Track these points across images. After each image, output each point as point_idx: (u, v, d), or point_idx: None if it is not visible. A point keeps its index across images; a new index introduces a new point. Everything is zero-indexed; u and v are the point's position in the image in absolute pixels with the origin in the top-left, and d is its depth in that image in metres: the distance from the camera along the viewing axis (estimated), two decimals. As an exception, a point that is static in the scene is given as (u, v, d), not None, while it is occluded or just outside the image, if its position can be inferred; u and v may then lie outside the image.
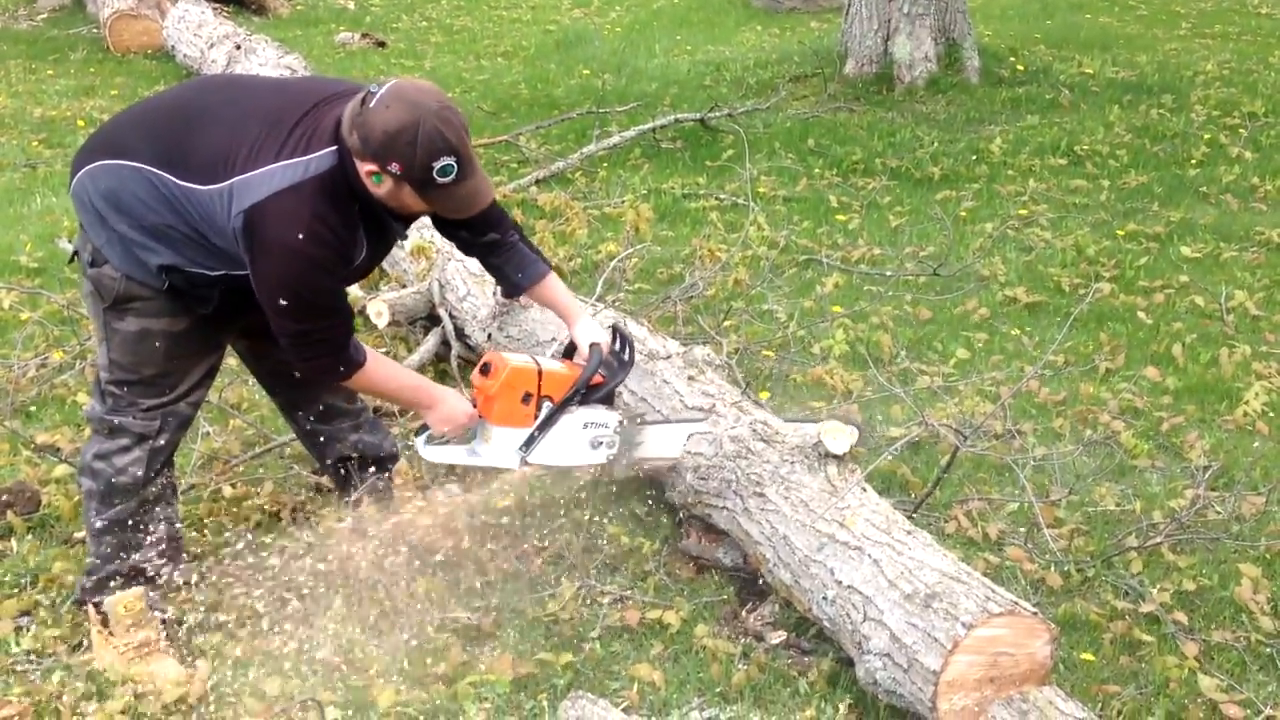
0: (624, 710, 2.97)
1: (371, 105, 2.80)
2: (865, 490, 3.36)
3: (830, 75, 9.81)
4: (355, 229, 2.94)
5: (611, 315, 4.12)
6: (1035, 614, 2.81)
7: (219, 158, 2.86)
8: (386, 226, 3.07)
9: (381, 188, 2.87)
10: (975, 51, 9.75)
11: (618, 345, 3.49)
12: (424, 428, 3.36)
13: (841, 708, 3.06)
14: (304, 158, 2.84)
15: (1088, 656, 3.27)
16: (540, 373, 3.34)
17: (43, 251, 6.13)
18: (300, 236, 2.81)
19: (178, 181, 2.89)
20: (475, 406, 3.34)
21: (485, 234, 3.37)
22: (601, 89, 9.86)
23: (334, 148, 2.86)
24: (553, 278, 3.49)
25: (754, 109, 9.01)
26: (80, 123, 9.03)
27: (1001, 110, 9.07)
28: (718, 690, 3.13)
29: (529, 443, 3.36)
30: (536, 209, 6.72)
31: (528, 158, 7.98)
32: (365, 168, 2.84)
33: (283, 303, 2.89)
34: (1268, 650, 3.30)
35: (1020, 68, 10.00)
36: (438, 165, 2.82)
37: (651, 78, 10.39)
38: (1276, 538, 3.76)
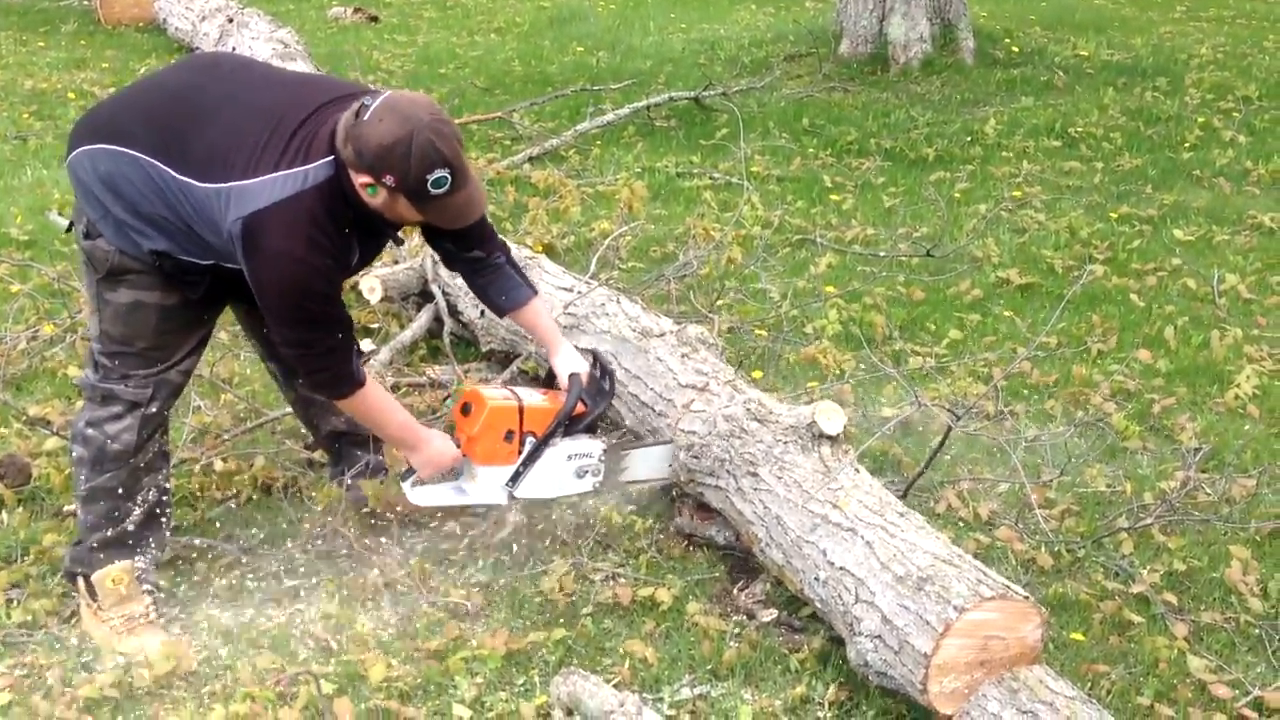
0: (615, 686, 2.97)
1: (365, 118, 2.81)
2: (858, 471, 3.36)
3: (825, 55, 9.79)
4: (351, 235, 2.97)
5: (596, 340, 4.08)
6: (1026, 598, 2.82)
7: (219, 156, 2.87)
8: (380, 231, 3.10)
9: (377, 199, 2.89)
10: (970, 32, 9.73)
11: (598, 373, 3.49)
12: (409, 471, 3.36)
13: (832, 686, 3.07)
14: (303, 168, 2.85)
15: (1078, 636, 3.28)
16: (521, 409, 3.35)
17: (33, 224, 6.11)
18: (300, 245, 2.84)
19: (175, 174, 2.89)
20: (459, 446, 3.35)
21: (470, 250, 3.37)
22: (595, 66, 9.84)
23: (331, 157, 2.87)
24: (536, 303, 3.48)
25: (748, 88, 8.99)
26: (71, 95, 8.98)
27: (996, 92, 9.06)
28: (709, 667, 3.14)
29: (515, 478, 3.38)
30: (530, 186, 6.72)
31: (521, 135, 7.96)
32: (360, 180, 2.85)
33: (285, 311, 2.93)
34: (1256, 631, 3.31)
35: (1015, 49, 9.99)
36: (431, 177, 2.83)
37: (646, 55, 10.37)
38: (1266, 520, 3.77)
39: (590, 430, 3.47)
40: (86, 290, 3.16)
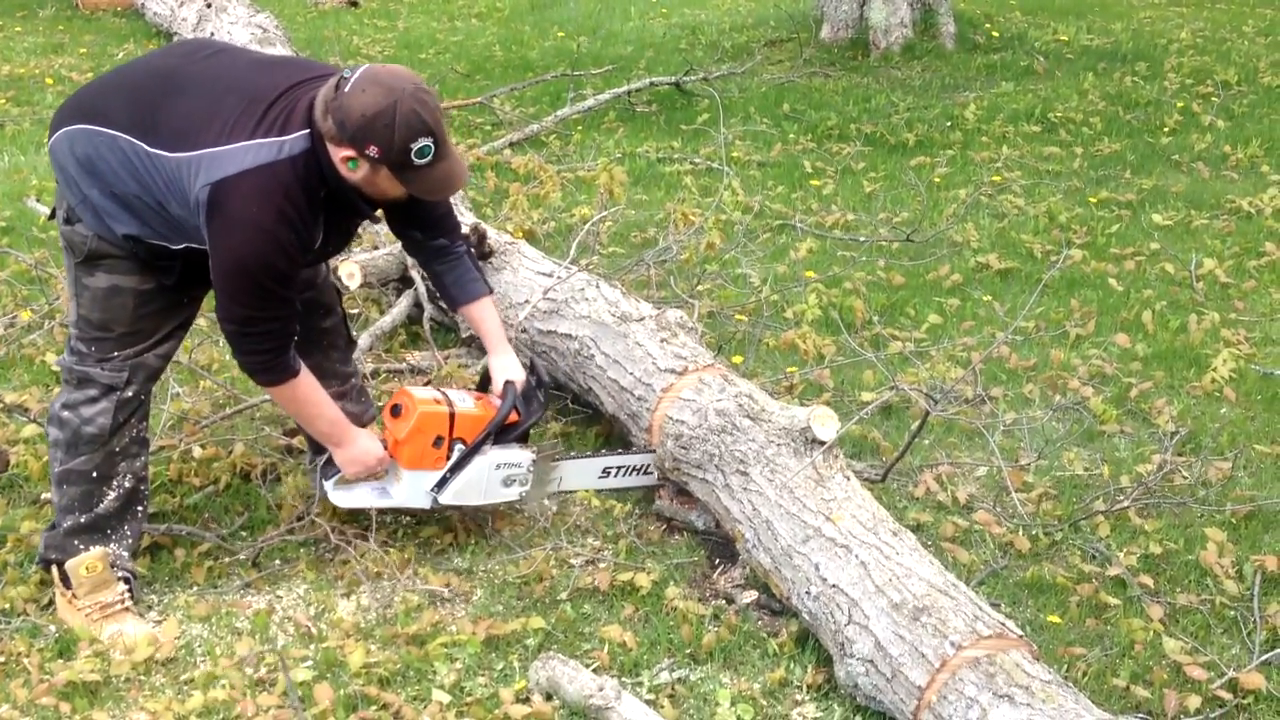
0: (594, 671, 2.98)
1: (346, 90, 2.80)
2: (849, 479, 3.34)
3: (806, 40, 9.78)
4: (319, 214, 2.95)
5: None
6: (1021, 636, 2.81)
7: (190, 127, 2.85)
8: (353, 213, 3.07)
9: (358, 172, 2.87)
10: (951, 17, 9.74)
11: (534, 382, 3.46)
12: (331, 469, 3.33)
13: (810, 668, 3.08)
14: (279, 138, 2.84)
15: (1054, 619, 3.29)
16: (452, 415, 3.32)
17: (10, 211, 6.07)
18: (269, 215, 2.82)
19: (146, 148, 2.88)
20: (386, 448, 3.32)
21: (436, 238, 3.36)
22: (576, 51, 9.82)
23: (308, 130, 2.86)
24: (487, 303, 3.46)
25: (729, 73, 8.98)
26: (49, 80, 8.92)
27: (976, 77, 9.07)
28: (688, 651, 3.15)
29: (441, 484, 3.36)
30: (510, 172, 6.70)
31: (502, 120, 7.94)
32: (341, 153, 2.84)
33: (237, 282, 2.88)
34: (1231, 613, 3.33)
35: (995, 34, 10.00)
36: (415, 146, 2.82)
37: (627, 40, 10.35)
38: (1241, 502, 3.79)
39: (522, 439, 3.45)
40: (66, 275, 3.16)
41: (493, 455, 3.38)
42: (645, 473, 3.72)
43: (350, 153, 2.83)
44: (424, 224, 3.30)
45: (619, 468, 3.69)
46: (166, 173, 2.87)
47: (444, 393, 3.40)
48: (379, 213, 3.24)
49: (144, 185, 2.91)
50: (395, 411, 3.34)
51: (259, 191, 2.81)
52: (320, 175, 2.89)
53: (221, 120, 2.84)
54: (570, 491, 3.71)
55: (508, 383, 3.41)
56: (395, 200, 3.06)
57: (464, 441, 3.35)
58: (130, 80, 3.06)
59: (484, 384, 3.54)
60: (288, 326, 3.01)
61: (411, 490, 3.36)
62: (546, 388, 3.48)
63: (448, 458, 3.35)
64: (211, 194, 2.79)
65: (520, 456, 3.43)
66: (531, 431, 3.51)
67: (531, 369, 3.50)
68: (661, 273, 5.19)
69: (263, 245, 2.83)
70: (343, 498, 3.37)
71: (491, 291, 3.50)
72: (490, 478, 3.40)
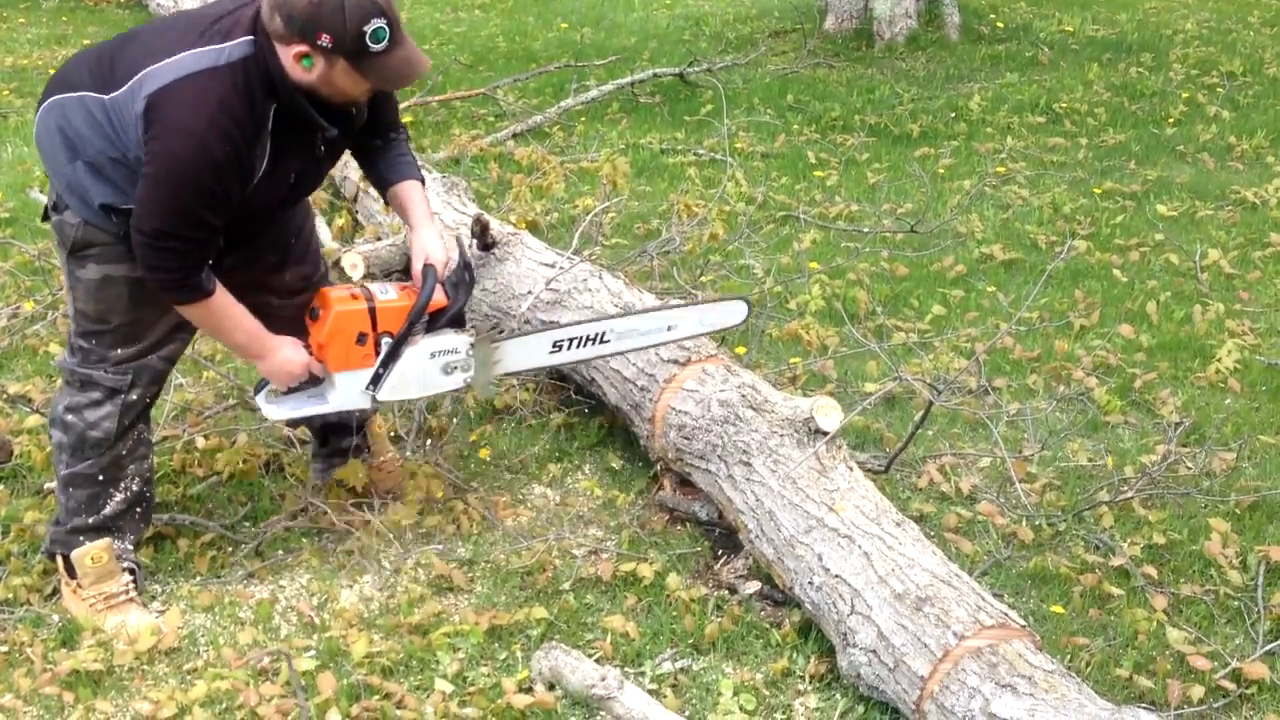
0: (597, 661, 2.98)
1: None
2: (852, 470, 3.33)
3: (810, 31, 9.77)
4: (262, 130, 2.82)
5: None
6: (1023, 627, 2.81)
7: (137, 61, 2.80)
8: (306, 129, 2.92)
9: (313, 71, 2.77)
10: (955, 8, 9.72)
11: (461, 263, 3.28)
12: (263, 383, 3.22)
13: (813, 658, 3.08)
14: (220, 45, 2.77)
15: (1058, 609, 3.29)
16: (372, 310, 3.16)
17: (14, 201, 6.08)
18: (202, 121, 2.72)
19: (103, 98, 2.82)
20: (311, 354, 3.20)
21: (389, 135, 3.24)
22: (580, 42, 9.81)
23: (252, 37, 2.78)
24: (415, 185, 3.29)
25: (733, 64, 8.96)
26: (52, 72, 8.92)
27: (981, 67, 9.06)
28: (690, 641, 3.15)
29: (375, 381, 3.21)
30: (513, 163, 6.69)
31: (505, 111, 7.93)
32: (293, 50, 2.74)
33: (159, 193, 2.76)
34: (1235, 603, 3.32)
35: (1000, 25, 9.99)
36: (370, 29, 2.72)
37: (630, 31, 10.34)
38: (1245, 493, 3.79)
39: (457, 323, 3.28)
40: (62, 271, 3.13)
41: (425, 344, 3.22)
42: (601, 341, 3.52)
43: (303, 48, 2.73)
44: (379, 128, 3.19)
45: (570, 340, 3.49)
46: (120, 113, 2.80)
47: (364, 286, 3.25)
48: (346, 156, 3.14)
49: (107, 138, 2.83)
50: (313, 315, 3.21)
51: (194, 96, 2.72)
52: (268, 85, 2.79)
53: (165, 42, 2.79)
54: (522, 372, 3.54)
55: (427, 267, 3.20)
56: (354, 100, 2.93)
57: (391, 334, 3.19)
58: (95, 49, 3.03)
59: (407, 274, 3.34)
60: (202, 251, 2.87)
61: (346, 393, 3.22)
62: (470, 269, 3.30)
63: (376, 354, 3.20)
64: (148, 104, 2.72)
65: (456, 342, 3.25)
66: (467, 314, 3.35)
67: (457, 246, 3.32)
68: (665, 264, 5.18)
69: (192, 154, 2.72)
70: (276, 410, 3.25)
71: (424, 181, 3.33)
72: (427, 368, 3.24)
